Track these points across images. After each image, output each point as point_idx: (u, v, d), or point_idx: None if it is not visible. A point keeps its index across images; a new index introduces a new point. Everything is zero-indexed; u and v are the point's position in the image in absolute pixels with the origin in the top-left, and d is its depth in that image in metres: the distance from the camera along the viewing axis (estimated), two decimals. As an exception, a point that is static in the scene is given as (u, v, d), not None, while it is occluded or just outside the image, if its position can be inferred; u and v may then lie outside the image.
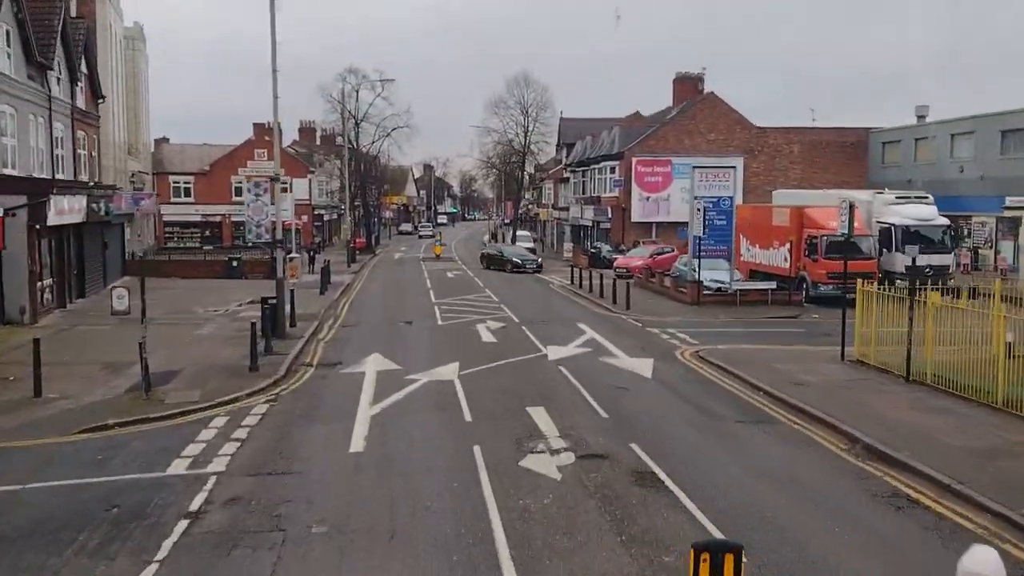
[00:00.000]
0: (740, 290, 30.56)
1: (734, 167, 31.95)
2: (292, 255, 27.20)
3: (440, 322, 26.25)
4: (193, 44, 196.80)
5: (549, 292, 36.69)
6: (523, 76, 62.58)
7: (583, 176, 63.77)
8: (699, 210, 30.47)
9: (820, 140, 52.62)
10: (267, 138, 78.63)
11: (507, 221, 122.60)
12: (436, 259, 58.93)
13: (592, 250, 51.81)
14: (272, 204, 24.91)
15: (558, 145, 74.40)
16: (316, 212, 79.29)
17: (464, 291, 35.73)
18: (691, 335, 23.77)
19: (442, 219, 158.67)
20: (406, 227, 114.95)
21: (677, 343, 22.65)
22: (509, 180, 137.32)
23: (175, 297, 32.29)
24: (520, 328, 24.75)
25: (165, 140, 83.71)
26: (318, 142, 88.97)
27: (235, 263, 39.65)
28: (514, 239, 64.56)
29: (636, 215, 52.77)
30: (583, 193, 63.64)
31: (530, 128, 62.40)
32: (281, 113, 24.63)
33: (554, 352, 20.71)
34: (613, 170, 54.59)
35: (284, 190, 75.47)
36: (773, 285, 30.66)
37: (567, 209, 68.53)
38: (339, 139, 62.34)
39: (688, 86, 57.45)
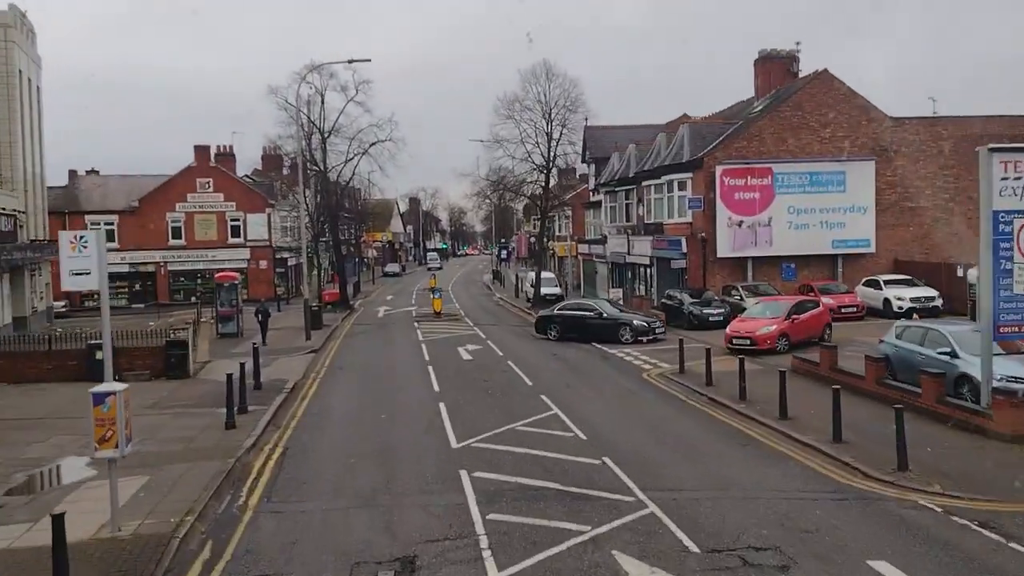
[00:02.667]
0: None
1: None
2: (106, 390, 10.64)
3: (495, 572, 9.68)
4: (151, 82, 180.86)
5: (665, 401, 19.90)
6: (544, 67, 46.55)
7: (626, 198, 47.75)
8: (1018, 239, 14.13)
9: (981, 134, 36.63)
10: (213, 164, 62.75)
11: (504, 257, 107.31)
12: (435, 317, 42.45)
13: (667, 301, 35.51)
14: None
15: (582, 160, 58.35)
16: (278, 255, 63.10)
17: (505, 403, 19.27)
18: None
19: (432, 256, 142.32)
20: (392, 268, 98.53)
21: None
22: (510, 209, 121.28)
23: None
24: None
25: (94, 172, 67.62)
26: (286, 171, 72.71)
27: (100, 355, 23.00)
28: (538, 282, 48.17)
29: (723, 248, 36.61)
30: (627, 220, 47.58)
31: (555, 135, 46.40)
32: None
33: None
34: (683, 186, 38.55)
35: (236, 229, 59.32)
36: None
37: (601, 242, 52.40)
38: (297, 159, 46.10)
39: (776, 69, 41.61)
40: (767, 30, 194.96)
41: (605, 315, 31.43)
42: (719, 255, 36.77)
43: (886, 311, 33.27)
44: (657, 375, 22.91)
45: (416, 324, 39.89)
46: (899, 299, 32.93)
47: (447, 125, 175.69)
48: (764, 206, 36.57)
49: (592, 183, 57.85)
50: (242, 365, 20.14)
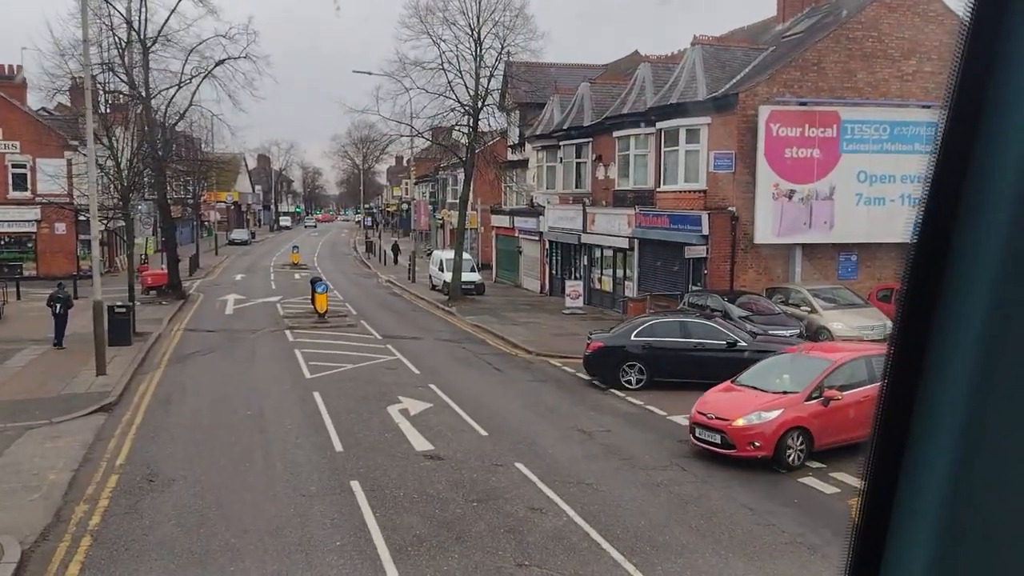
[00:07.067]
0: None
1: None
2: None
3: None
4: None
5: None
6: (474, -37, 32.67)
7: (578, 155, 35.07)
8: None
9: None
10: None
11: (370, 224, 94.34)
12: (318, 320, 28.19)
13: (692, 309, 22.89)
14: None
15: (500, 107, 44.76)
16: (84, 217, 46.19)
17: None
18: None
19: (285, 221, 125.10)
20: (240, 235, 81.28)
21: None
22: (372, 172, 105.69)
23: None
24: None
25: None
26: (107, 108, 54.69)
27: None
28: (458, 265, 34.61)
29: (764, 230, 24.55)
30: (577, 186, 34.94)
31: (488, 61, 33.00)
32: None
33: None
34: (694, 136, 26.21)
35: (20, 179, 42.72)
36: None
37: (532, 213, 39.49)
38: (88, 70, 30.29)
39: (810, -21, 29.87)
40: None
41: (741, 344, 18.19)
42: (756, 240, 24.76)
43: None
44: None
45: (290, 335, 25.62)
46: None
47: (311, 72, 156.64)
48: (826, 170, 24.74)
49: (515, 136, 44.65)
50: None
